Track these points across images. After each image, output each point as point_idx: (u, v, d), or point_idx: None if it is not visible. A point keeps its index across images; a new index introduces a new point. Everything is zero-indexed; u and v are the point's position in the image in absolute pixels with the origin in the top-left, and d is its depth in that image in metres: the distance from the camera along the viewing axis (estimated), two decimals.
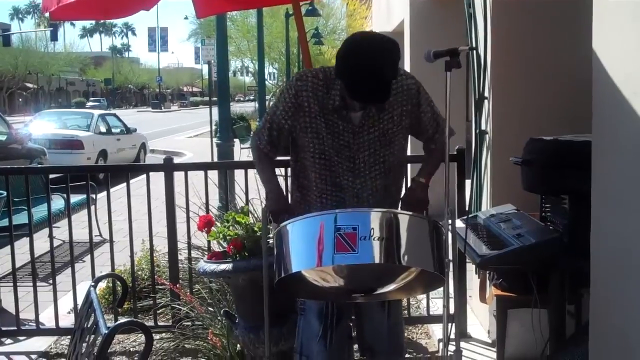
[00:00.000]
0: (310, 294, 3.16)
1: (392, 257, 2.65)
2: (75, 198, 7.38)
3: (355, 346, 3.77)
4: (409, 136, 3.42)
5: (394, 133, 3.22)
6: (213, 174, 5.77)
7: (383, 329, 3.33)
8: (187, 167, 5.20)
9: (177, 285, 4.78)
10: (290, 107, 3.21)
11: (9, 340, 5.17)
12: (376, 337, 3.34)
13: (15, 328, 5.17)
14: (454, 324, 3.27)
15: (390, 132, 3.20)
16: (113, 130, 17.31)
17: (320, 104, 3.17)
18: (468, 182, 5.05)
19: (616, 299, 2.76)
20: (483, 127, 4.90)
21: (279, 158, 3.47)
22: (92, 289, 2.72)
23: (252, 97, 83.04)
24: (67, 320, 5.31)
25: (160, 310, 5.21)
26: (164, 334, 4.90)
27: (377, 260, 2.63)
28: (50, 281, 5.33)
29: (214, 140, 10.82)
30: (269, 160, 3.40)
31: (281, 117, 3.25)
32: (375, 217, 2.69)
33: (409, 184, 3.70)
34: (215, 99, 13.11)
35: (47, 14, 4.87)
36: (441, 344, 4.19)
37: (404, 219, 2.77)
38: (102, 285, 5.64)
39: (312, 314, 3.28)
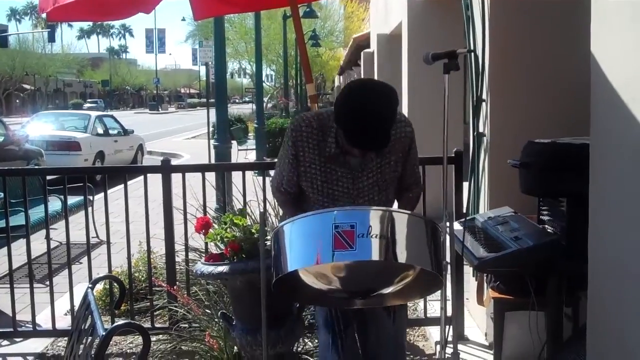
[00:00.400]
0: (309, 299, 3.16)
1: (390, 255, 2.65)
2: (72, 199, 7.37)
3: None
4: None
5: (390, 179, 3.22)
6: (210, 176, 5.77)
7: (389, 337, 3.32)
8: (184, 169, 5.20)
9: (175, 287, 4.78)
10: (293, 158, 3.20)
11: (5, 342, 5.17)
12: (381, 345, 3.33)
13: (11, 329, 5.16)
14: (451, 327, 3.26)
15: (387, 177, 3.20)
16: (110, 131, 17.31)
17: (315, 153, 3.15)
18: (465, 185, 5.06)
19: (614, 302, 2.76)
20: (481, 130, 4.90)
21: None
22: (89, 290, 2.72)
23: (247, 99, 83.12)
24: (64, 322, 5.30)
25: (157, 312, 5.21)
26: (161, 335, 4.89)
27: (375, 257, 2.63)
28: (47, 283, 5.33)
29: (212, 142, 10.81)
30: (291, 201, 3.37)
31: (288, 170, 3.24)
32: (373, 215, 2.68)
33: None
34: (212, 100, 13.10)
35: (44, 15, 4.87)
36: (438, 346, 4.20)
37: (402, 217, 2.77)
38: (99, 287, 5.63)
39: (322, 326, 3.30)
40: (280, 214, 4.94)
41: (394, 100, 2.94)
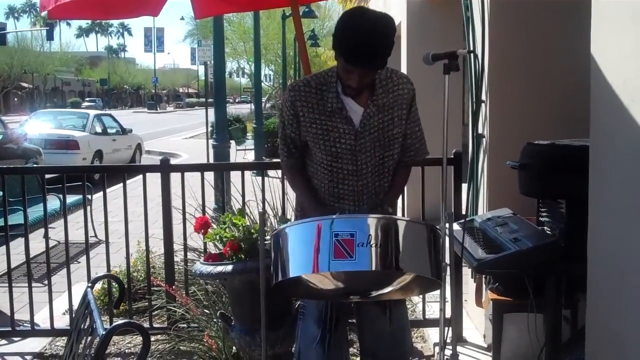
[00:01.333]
0: (307, 294, 3.16)
1: (390, 264, 2.65)
2: (71, 198, 7.36)
3: (351, 349, 3.77)
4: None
5: (393, 135, 3.21)
6: (209, 176, 5.76)
7: (385, 335, 3.31)
8: (184, 169, 5.19)
9: (173, 287, 4.78)
10: (292, 119, 3.22)
11: (3, 341, 5.16)
12: (378, 343, 3.32)
13: (9, 329, 5.16)
14: (450, 328, 3.26)
15: (390, 133, 3.20)
16: (109, 130, 17.31)
17: (315, 111, 3.17)
18: (465, 186, 5.06)
19: (612, 304, 2.76)
20: (480, 131, 4.90)
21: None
22: (89, 290, 2.72)
23: (241, 99, 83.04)
24: (62, 321, 5.30)
25: (155, 312, 5.20)
26: (159, 335, 4.89)
27: (374, 267, 2.63)
28: (46, 282, 5.33)
29: (210, 141, 10.81)
30: (299, 176, 3.37)
31: (289, 131, 3.26)
32: (372, 223, 2.68)
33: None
34: (211, 100, 13.10)
35: (44, 13, 4.86)
36: (437, 348, 4.20)
37: (401, 224, 2.76)
38: (98, 286, 5.63)
39: (311, 318, 3.27)
40: (279, 215, 4.96)
41: (391, 23, 3.01)
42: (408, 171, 3.43)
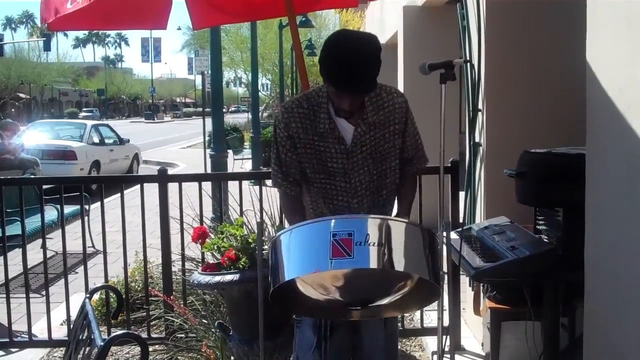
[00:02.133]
0: (306, 311, 3.16)
1: (388, 263, 2.66)
2: (68, 209, 7.36)
3: None
4: None
5: (385, 151, 3.22)
6: (206, 185, 5.77)
7: (380, 341, 3.32)
8: (181, 179, 5.20)
9: (171, 297, 4.77)
10: (287, 140, 3.22)
11: (0, 352, 5.15)
12: (373, 349, 3.33)
13: (7, 340, 5.15)
14: (448, 337, 3.27)
15: (382, 150, 3.20)
16: (106, 140, 17.29)
17: (309, 132, 3.18)
18: (462, 194, 5.06)
19: (610, 312, 2.77)
20: (477, 139, 4.91)
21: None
22: (87, 300, 2.72)
23: (234, 109, 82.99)
24: (60, 332, 5.29)
25: (153, 322, 5.20)
26: (157, 346, 4.89)
27: (373, 265, 2.63)
28: (43, 292, 5.32)
29: (207, 151, 10.82)
30: (290, 199, 3.36)
31: (284, 155, 3.26)
32: (371, 224, 2.69)
33: None
34: (208, 110, 13.11)
35: (44, 25, 4.85)
36: (435, 356, 4.19)
37: (400, 226, 2.77)
38: (95, 297, 5.62)
39: (307, 325, 3.28)
40: (277, 224, 4.97)
41: (376, 43, 2.98)
42: (414, 179, 3.44)
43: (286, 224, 4.40)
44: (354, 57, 2.90)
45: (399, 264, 2.71)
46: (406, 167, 3.36)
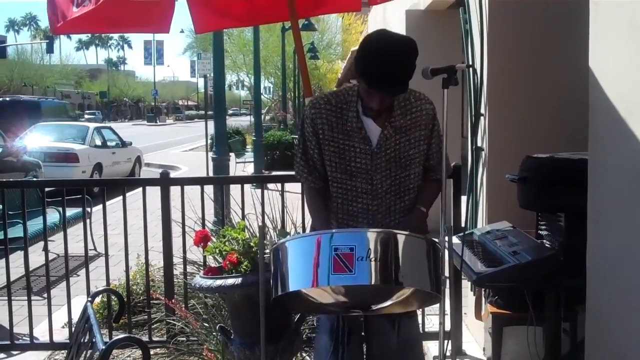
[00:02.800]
0: (307, 309, 3.16)
1: (390, 278, 2.65)
2: (70, 211, 7.36)
3: None
4: None
5: (410, 156, 3.24)
6: (209, 189, 5.77)
7: (391, 349, 3.32)
8: (183, 182, 5.20)
9: (172, 301, 4.77)
10: (313, 136, 3.26)
11: (2, 355, 5.15)
12: (385, 356, 3.33)
13: (9, 342, 5.15)
14: (449, 341, 3.26)
15: (407, 154, 3.23)
16: (108, 143, 17.30)
17: (335, 130, 3.21)
18: (464, 199, 5.06)
19: (612, 317, 2.76)
20: (479, 144, 4.91)
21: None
22: (89, 304, 2.72)
23: (233, 112, 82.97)
24: (62, 335, 5.29)
25: (155, 326, 5.19)
26: (158, 349, 4.89)
27: (373, 282, 2.63)
28: (45, 295, 5.32)
29: (210, 154, 10.82)
30: (315, 193, 3.38)
31: (308, 148, 3.30)
32: (372, 237, 2.68)
33: None
34: (210, 113, 13.11)
35: (44, 27, 4.85)
36: None
37: (400, 239, 2.77)
38: (97, 300, 5.62)
39: (324, 331, 3.30)
40: (279, 228, 4.97)
41: (414, 47, 3.03)
42: (439, 182, 3.44)
43: (289, 228, 4.42)
44: (393, 57, 2.94)
45: (401, 278, 2.70)
46: (429, 174, 3.39)
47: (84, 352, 2.44)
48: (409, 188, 3.29)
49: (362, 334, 3.45)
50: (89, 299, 2.80)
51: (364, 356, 3.47)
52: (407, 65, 2.97)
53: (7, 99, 26.24)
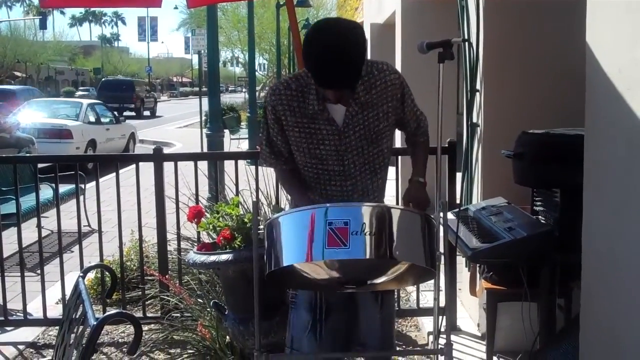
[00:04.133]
0: (301, 284, 3.14)
1: (384, 252, 2.63)
2: (63, 188, 7.33)
3: None
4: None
5: (380, 131, 3.15)
6: (203, 165, 5.74)
7: (375, 323, 3.31)
8: (177, 158, 5.18)
9: (166, 277, 4.76)
10: (275, 123, 3.15)
11: None
12: (369, 331, 3.32)
13: (2, 318, 5.15)
14: (444, 317, 3.26)
15: (376, 129, 3.14)
16: (102, 119, 17.23)
17: (297, 115, 3.10)
18: (459, 175, 5.05)
19: (606, 293, 2.76)
20: (474, 120, 4.89)
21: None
22: (80, 279, 2.70)
23: (222, 89, 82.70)
24: (55, 311, 5.28)
25: (149, 302, 5.19)
26: (152, 325, 4.89)
27: (368, 256, 2.61)
28: (38, 271, 5.31)
29: (204, 130, 10.78)
30: (287, 174, 3.29)
31: (271, 135, 3.20)
32: (366, 212, 2.66)
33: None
34: (205, 89, 13.06)
35: (36, 2, 4.81)
36: (431, 336, 4.19)
37: (395, 213, 2.75)
38: (91, 275, 5.61)
39: (302, 307, 3.26)
40: (273, 204, 4.95)
41: (359, 35, 2.86)
42: (426, 142, 3.39)
43: (283, 204, 4.39)
44: (331, 55, 2.77)
45: (396, 253, 2.68)
46: (411, 138, 3.36)
47: (76, 328, 2.42)
48: (382, 164, 3.23)
49: (342, 309, 3.41)
50: (81, 274, 2.78)
51: (343, 332, 3.45)
52: (349, 61, 2.80)
53: (110, 78, 36.35)
